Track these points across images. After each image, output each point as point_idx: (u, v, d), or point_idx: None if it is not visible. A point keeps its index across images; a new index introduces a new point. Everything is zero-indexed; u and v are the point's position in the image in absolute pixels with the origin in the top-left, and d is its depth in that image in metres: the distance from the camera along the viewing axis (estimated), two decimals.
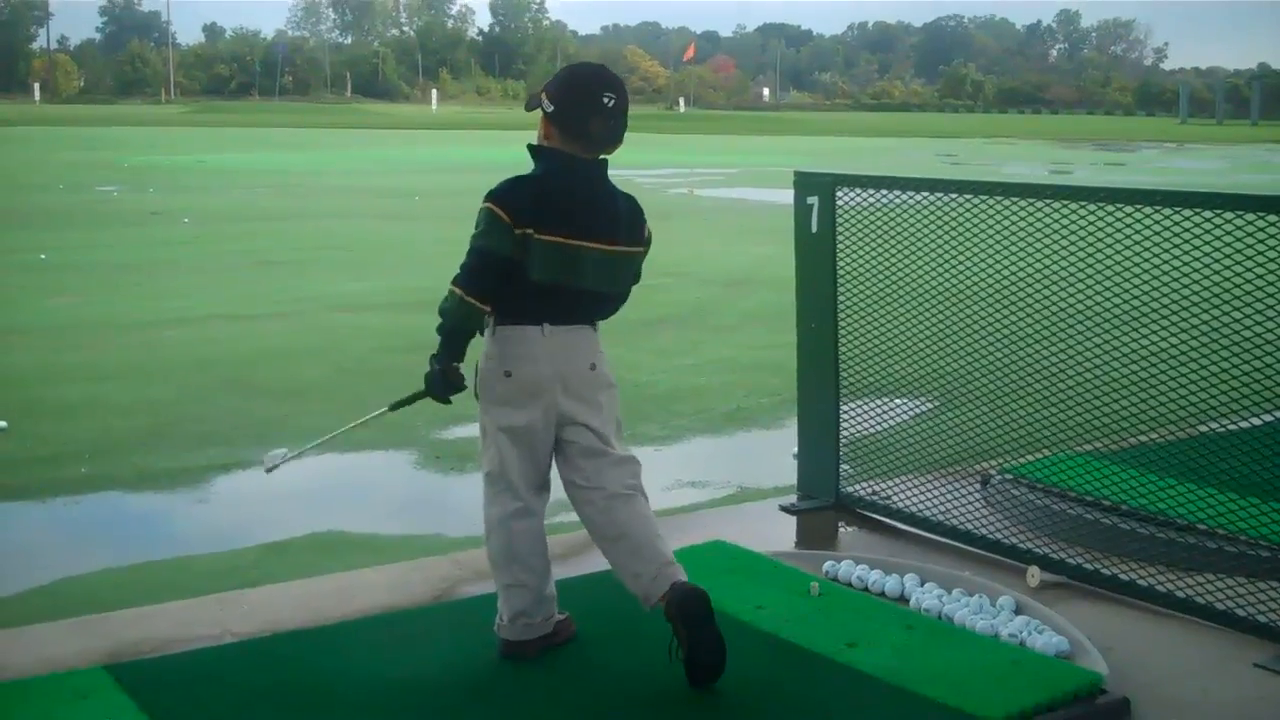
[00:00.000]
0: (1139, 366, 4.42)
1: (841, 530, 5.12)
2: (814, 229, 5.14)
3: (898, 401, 5.39)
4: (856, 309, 5.13)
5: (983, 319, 4.84)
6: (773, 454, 6.58)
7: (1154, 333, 4.34)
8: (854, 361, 5.17)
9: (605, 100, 3.58)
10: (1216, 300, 4.18)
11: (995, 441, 4.88)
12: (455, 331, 3.53)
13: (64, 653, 3.76)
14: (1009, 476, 5.12)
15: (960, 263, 4.84)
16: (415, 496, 6.18)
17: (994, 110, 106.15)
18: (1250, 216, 4.00)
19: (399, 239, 16.71)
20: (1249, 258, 4.05)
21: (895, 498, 5.11)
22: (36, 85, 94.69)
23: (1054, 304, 4.98)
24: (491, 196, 3.54)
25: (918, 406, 5.93)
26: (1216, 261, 4.13)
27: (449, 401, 3.64)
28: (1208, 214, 4.11)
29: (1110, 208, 4.37)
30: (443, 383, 3.58)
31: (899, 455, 5.18)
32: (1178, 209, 4.17)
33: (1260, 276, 4.06)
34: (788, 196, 5.40)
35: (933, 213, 4.95)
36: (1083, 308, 4.89)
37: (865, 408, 5.26)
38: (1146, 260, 4.28)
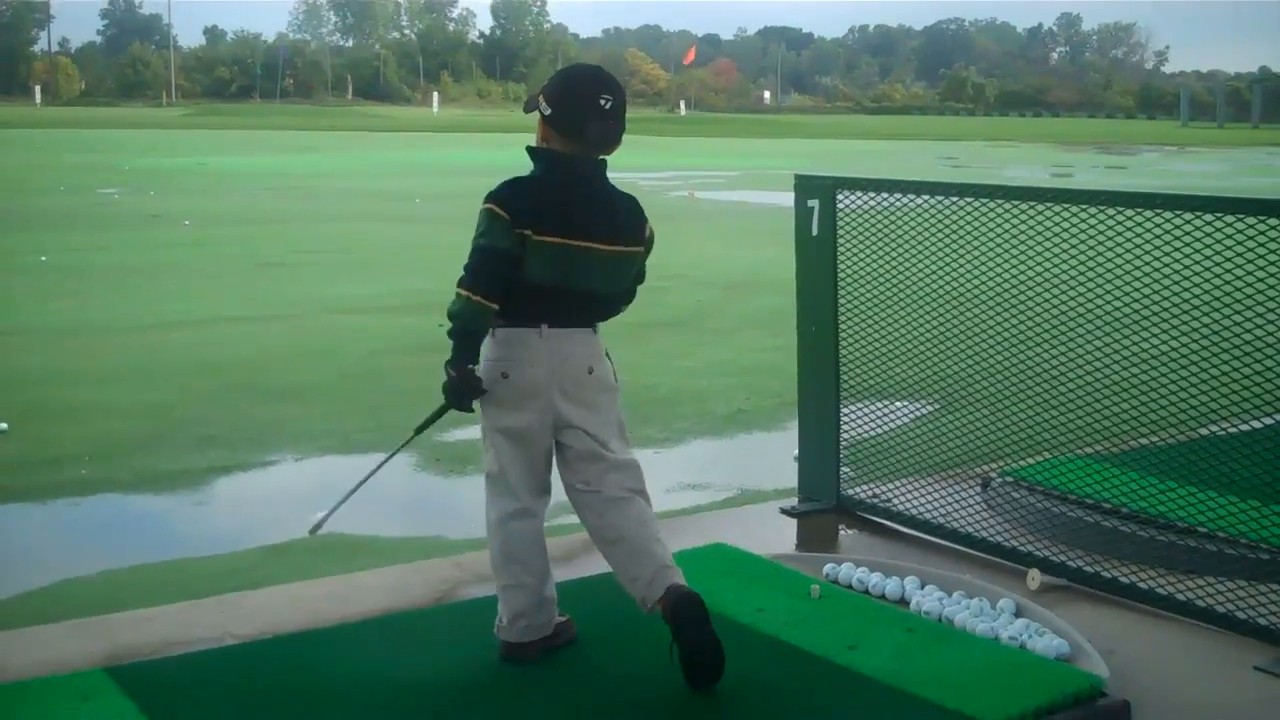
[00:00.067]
0: (1140, 370, 4.42)
1: (842, 533, 5.12)
2: (814, 232, 5.14)
3: (898, 404, 5.39)
4: (857, 312, 5.13)
5: (983, 322, 4.83)
6: (773, 456, 6.59)
7: (1155, 336, 4.34)
8: (854, 364, 5.17)
9: (602, 103, 3.58)
10: (1217, 304, 4.18)
11: (996, 444, 4.88)
12: (465, 333, 3.51)
13: (64, 654, 3.76)
14: (1009, 479, 5.12)
15: (961, 266, 4.84)
16: (416, 499, 6.18)
17: (995, 113, 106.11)
18: (1251, 220, 4.00)
19: (400, 242, 16.72)
20: (1250, 261, 4.05)
21: (896, 500, 5.11)
22: (37, 88, 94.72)
23: (1055, 307, 4.98)
24: (490, 198, 3.55)
25: (918, 409, 5.92)
26: (1217, 265, 4.13)
27: (472, 409, 3.58)
28: (1208, 217, 4.11)
29: (1111, 211, 4.36)
30: (461, 389, 3.52)
31: (899, 458, 5.18)
32: (1178, 212, 4.17)
33: (1261, 280, 4.06)
34: (788, 199, 5.39)
35: (933, 216, 4.95)
36: (1083, 311, 4.88)
37: (866, 410, 5.26)
38: (1147, 264, 4.28)
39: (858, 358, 5.15)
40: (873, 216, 5.03)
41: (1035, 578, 4.39)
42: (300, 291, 12.42)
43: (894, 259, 5.00)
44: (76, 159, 33.24)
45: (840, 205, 5.08)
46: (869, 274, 5.07)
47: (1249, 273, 4.08)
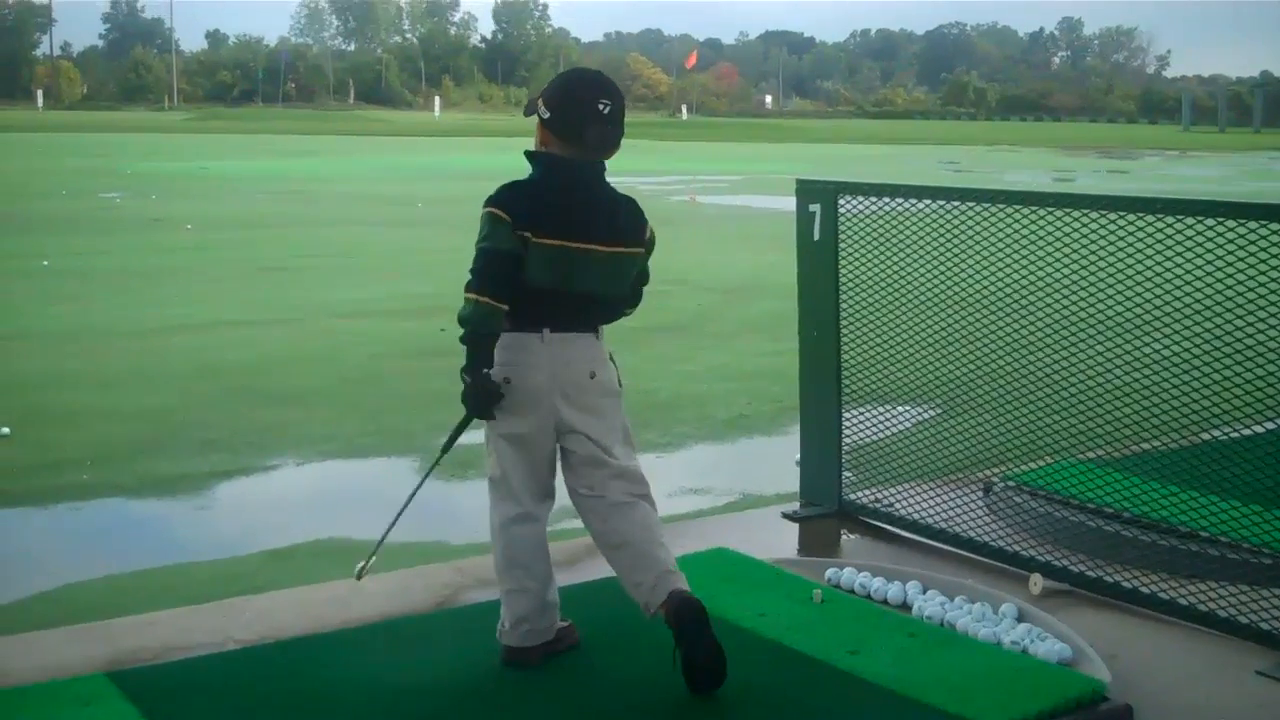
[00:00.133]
0: (1141, 374, 4.42)
1: (844, 537, 5.12)
2: (816, 236, 5.14)
3: (900, 409, 5.39)
4: (858, 316, 5.14)
5: (985, 327, 4.84)
6: (775, 461, 6.58)
7: (1156, 340, 4.34)
8: (856, 369, 5.17)
9: (601, 107, 3.58)
10: (1219, 308, 4.18)
11: (998, 449, 4.88)
12: (478, 335, 3.49)
13: (65, 659, 3.76)
14: (1011, 484, 5.12)
15: (962, 270, 4.84)
16: (417, 503, 6.15)
17: (996, 118, 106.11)
18: (1253, 224, 4.00)
19: (401, 246, 16.73)
20: (1251, 265, 4.05)
21: (898, 505, 5.11)
22: (40, 92, 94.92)
23: (1056, 312, 4.98)
24: (490, 201, 3.55)
25: (920, 414, 5.92)
26: (1219, 269, 4.13)
27: (492, 416, 3.56)
28: (1210, 222, 4.11)
29: (1112, 215, 4.36)
30: (479, 396, 3.49)
31: (901, 462, 5.18)
32: (1180, 217, 4.17)
33: (1263, 284, 4.06)
34: (790, 204, 5.40)
35: (935, 220, 4.95)
36: (1085, 315, 4.88)
37: (867, 415, 5.26)
38: (1148, 268, 4.28)
39: (859, 362, 5.15)
40: (874, 221, 5.03)
41: (1037, 582, 4.38)
42: (301, 296, 12.43)
43: (895, 264, 5.00)
44: (78, 163, 33.26)
45: (842, 210, 5.09)
46: (870, 279, 5.08)
47: (1251, 277, 4.07)
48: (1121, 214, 4.33)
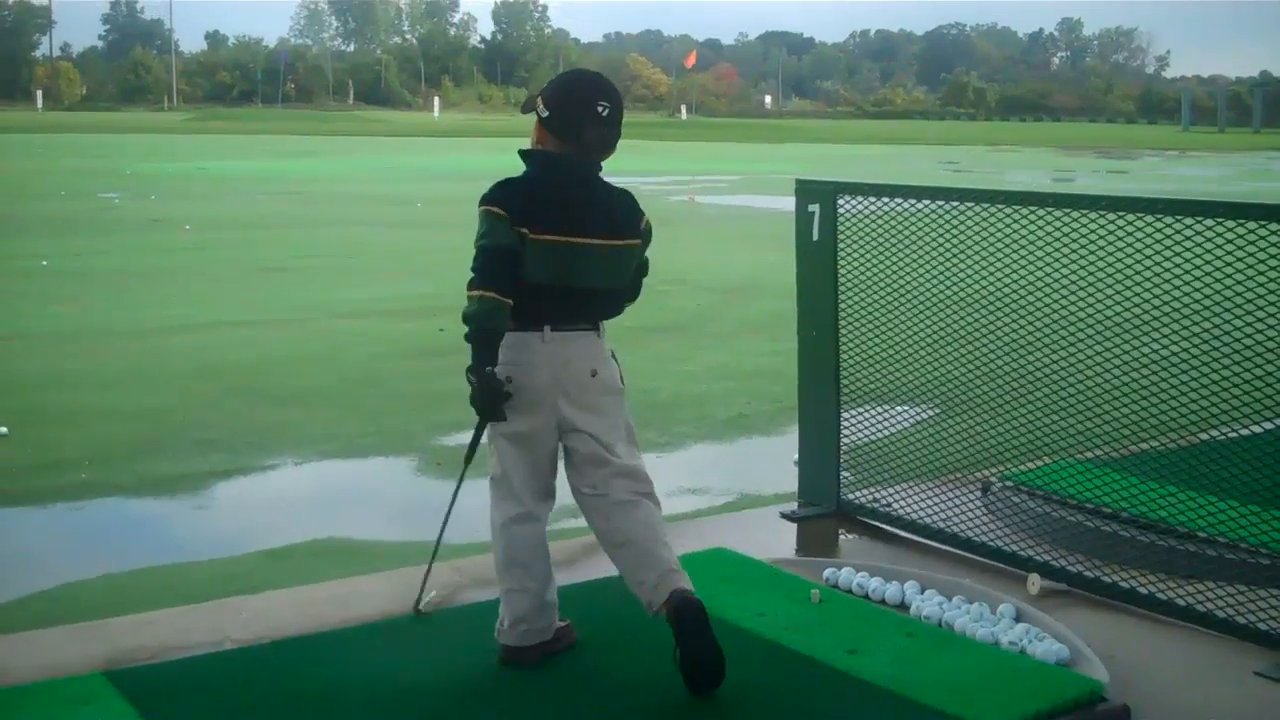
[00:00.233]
0: (1140, 374, 4.42)
1: (842, 537, 5.12)
2: (815, 236, 5.15)
3: (898, 409, 5.39)
4: (857, 316, 5.14)
5: (983, 326, 4.84)
6: (773, 461, 6.58)
7: (1155, 340, 4.35)
8: (855, 369, 5.18)
9: (600, 109, 3.59)
10: (1218, 308, 4.19)
11: (996, 449, 4.88)
12: (482, 331, 3.48)
13: (64, 658, 3.76)
14: (1009, 484, 5.12)
15: (961, 270, 4.84)
16: (416, 503, 6.17)
17: (996, 118, 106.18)
18: (1252, 225, 4.01)
19: (401, 246, 16.72)
20: (1250, 265, 4.05)
21: (896, 505, 5.11)
22: (39, 92, 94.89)
23: (1055, 312, 4.98)
24: (485, 199, 3.56)
25: (918, 414, 5.92)
26: (1218, 269, 4.13)
27: (503, 416, 3.54)
28: (1209, 222, 4.11)
29: (1112, 215, 4.37)
30: (486, 394, 3.48)
31: (900, 462, 5.18)
32: (1179, 217, 4.17)
33: (1261, 284, 4.06)
34: (789, 204, 5.40)
35: (934, 221, 4.95)
36: (1084, 315, 4.89)
37: (866, 415, 5.26)
38: (1148, 268, 4.28)
39: (858, 362, 5.16)
40: (873, 221, 5.03)
41: (1035, 582, 4.38)
42: (301, 296, 12.42)
43: (894, 264, 5.01)
44: (77, 164, 33.25)
45: (841, 210, 5.09)
46: (869, 279, 5.08)
47: (1250, 277, 4.08)
48: (1121, 214, 4.34)
